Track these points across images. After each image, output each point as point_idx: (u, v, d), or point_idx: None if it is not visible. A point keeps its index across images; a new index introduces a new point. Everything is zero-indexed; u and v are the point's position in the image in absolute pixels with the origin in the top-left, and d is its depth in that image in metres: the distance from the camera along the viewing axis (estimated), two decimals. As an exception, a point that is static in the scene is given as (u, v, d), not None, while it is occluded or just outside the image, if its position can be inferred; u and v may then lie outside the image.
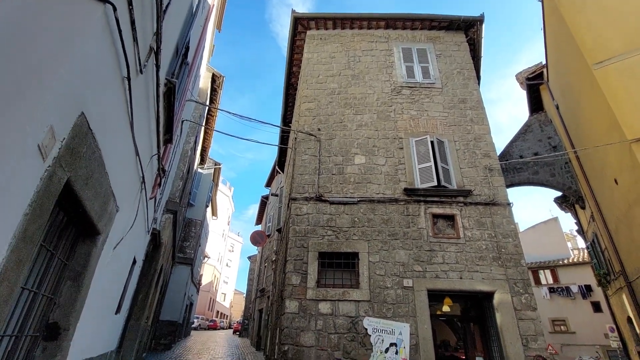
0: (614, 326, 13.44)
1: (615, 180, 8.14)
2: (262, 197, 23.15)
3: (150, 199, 5.26)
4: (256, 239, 14.64)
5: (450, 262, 6.80)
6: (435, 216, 7.31)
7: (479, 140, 8.21)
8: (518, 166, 14.15)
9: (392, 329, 6.20)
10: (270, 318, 11.70)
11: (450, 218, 7.29)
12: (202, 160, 17.81)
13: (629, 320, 10.76)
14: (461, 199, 7.41)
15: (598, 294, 20.04)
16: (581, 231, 14.61)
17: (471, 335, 7.37)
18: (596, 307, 21.70)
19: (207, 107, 12.56)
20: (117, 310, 5.24)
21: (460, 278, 6.65)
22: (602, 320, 19.72)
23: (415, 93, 8.90)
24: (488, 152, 8.03)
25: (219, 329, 35.51)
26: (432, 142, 7.96)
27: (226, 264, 47.48)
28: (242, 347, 16.75)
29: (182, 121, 7.47)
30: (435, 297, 7.69)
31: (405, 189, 7.47)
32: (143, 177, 4.22)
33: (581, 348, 22.16)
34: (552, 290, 24.21)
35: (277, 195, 14.66)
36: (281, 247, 10.15)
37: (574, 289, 22.88)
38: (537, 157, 12.86)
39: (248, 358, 12.67)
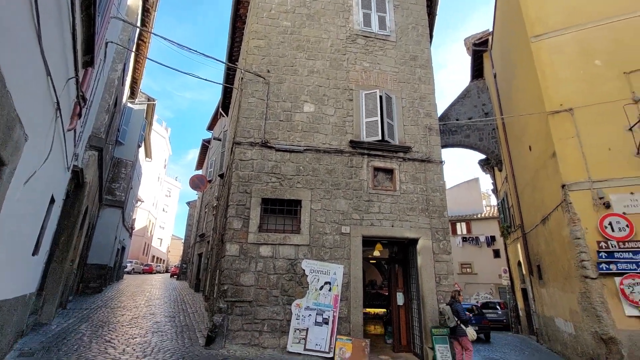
0: (507, 268, 16.34)
1: (530, 147, 9.28)
2: (204, 140, 21.88)
3: (69, 130, 4.60)
4: (196, 183, 14.08)
5: (385, 212, 7.36)
6: (377, 169, 7.69)
7: (423, 99, 8.53)
8: (454, 129, 15.23)
9: (328, 270, 6.71)
10: (210, 261, 11.80)
11: (390, 172, 7.74)
12: (133, 94, 15.88)
13: (519, 263, 13.11)
14: (401, 154, 7.84)
15: (499, 243, 23.66)
16: (495, 190, 16.75)
17: (395, 275, 8.34)
18: (496, 253, 25.87)
19: (137, 30, 10.90)
20: (35, 252, 4.77)
21: (392, 226, 7.29)
22: (499, 265, 23.65)
23: (370, 44, 8.72)
24: (430, 112, 8.44)
25: (155, 273, 35.04)
26: (381, 97, 8.07)
27: (162, 209, 45.50)
28: (180, 289, 16.87)
29: (107, 42, 6.41)
30: (368, 242, 8.39)
31: (351, 142, 7.63)
32: (58, 103, 3.62)
33: (480, 286, 26.74)
34: (464, 239, 28.11)
35: (220, 140, 13.95)
36: (223, 193, 9.94)
37: (482, 238, 26.86)
38: (470, 121, 13.94)
39: (187, 298, 12.87)
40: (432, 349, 6.55)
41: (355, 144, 7.63)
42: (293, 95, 7.84)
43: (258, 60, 7.95)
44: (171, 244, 51.83)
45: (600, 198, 6.48)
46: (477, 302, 19.85)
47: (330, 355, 6.21)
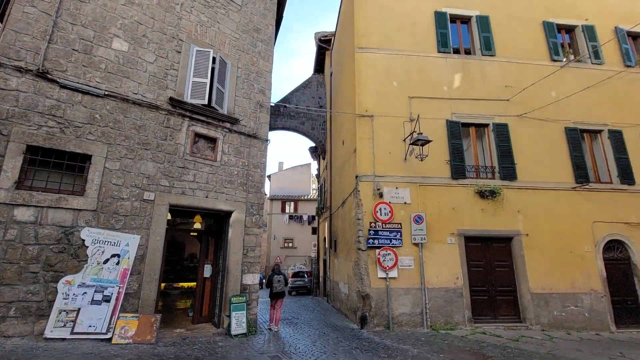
0: (317, 243, 19.05)
1: (343, 142, 10.88)
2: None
3: None
4: None
5: (201, 182, 6.97)
6: (198, 135, 7.15)
7: (260, 75, 8.51)
8: (292, 114, 16.16)
9: (118, 241, 5.78)
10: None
11: (213, 141, 7.36)
12: None
13: (324, 239, 15.46)
14: (228, 125, 7.58)
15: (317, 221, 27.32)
16: (318, 176, 19.07)
17: (206, 247, 8.14)
18: (314, 230, 29.76)
19: None
20: None
21: (207, 197, 7.00)
22: (315, 240, 27.41)
23: (212, -2, 7.91)
24: (264, 89, 8.52)
25: None
26: (214, 59, 7.49)
27: None
28: None
29: None
30: (185, 213, 7.83)
31: (172, 99, 6.76)
32: None
33: (298, 258, 30.27)
34: (291, 217, 30.97)
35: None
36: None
37: (305, 217, 30.31)
38: (307, 108, 15.16)
39: None
40: (229, 316, 6.78)
41: (176, 103, 6.81)
42: (99, 23, 6.19)
43: (48, -41, 5.81)
44: None
45: (378, 189, 8.28)
46: (290, 272, 22.38)
47: (109, 335, 5.43)
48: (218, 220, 8.00)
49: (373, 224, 8.10)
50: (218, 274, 7.61)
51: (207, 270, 7.84)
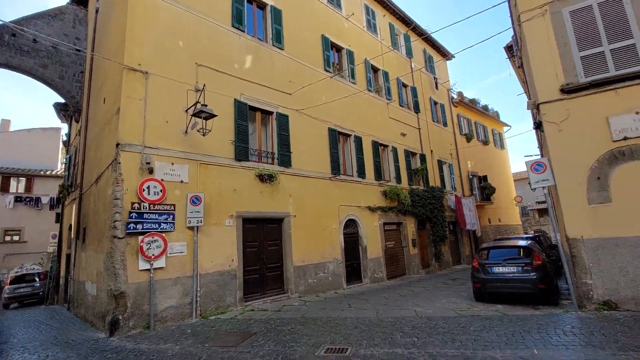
0: (58, 233, 14.26)
1: (104, 100, 8.36)
2: None
3: None
4: None
5: None
6: None
7: None
8: (27, 48, 11.22)
9: None
10: None
11: None
12: None
13: (70, 227, 11.67)
14: None
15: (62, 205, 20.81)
16: (68, 144, 14.28)
17: None
18: (59, 217, 22.47)
19: None
20: None
21: None
22: (57, 230, 20.67)
23: None
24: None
25: None
26: None
27: None
28: None
29: None
30: None
31: None
32: None
33: (30, 256, 21.88)
34: (19, 199, 22.02)
35: None
36: None
37: (45, 199, 22.34)
38: (52, 42, 10.87)
39: None
40: None
41: None
42: None
43: None
44: None
45: (147, 163, 6.81)
46: (8, 277, 15.76)
47: None
48: None
49: (137, 205, 6.58)
50: None
51: None
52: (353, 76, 13.05)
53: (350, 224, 11.50)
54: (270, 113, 9.81)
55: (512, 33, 10.88)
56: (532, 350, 4.15)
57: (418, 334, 5.14)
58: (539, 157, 9.22)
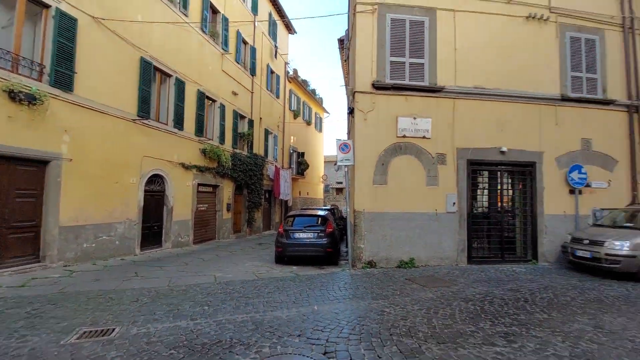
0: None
1: None
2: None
3: None
4: None
5: None
6: None
7: None
8: None
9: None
10: None
11: None
12: None
13: None
14: None
15: None
16: None
17: None
18: None
19: None
20: None
21: None
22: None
23: None
24: None
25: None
26: None
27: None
28: None
29: None
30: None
31: None
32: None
33: None
34: None
35: None
36: None
37: None
38: None
39: None
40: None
41: None
42: None
43: None
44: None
45: None
46: None
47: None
48: None
49: None
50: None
51: None
52: (185, 6, 10.88)
53: (156, 180, 9.78)
54: (47, 6, 6.70)
55: (347, 27, 11.89)
56: (313, 307, 4.53)
57: (210, 302, 4.73)
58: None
